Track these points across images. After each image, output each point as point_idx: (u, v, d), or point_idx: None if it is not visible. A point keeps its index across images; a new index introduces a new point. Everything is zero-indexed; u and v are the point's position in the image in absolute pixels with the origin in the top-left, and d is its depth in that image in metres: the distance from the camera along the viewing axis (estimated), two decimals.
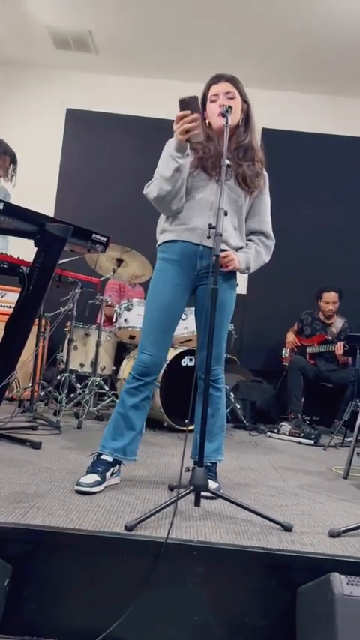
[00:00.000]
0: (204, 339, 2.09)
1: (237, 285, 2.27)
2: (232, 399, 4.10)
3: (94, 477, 2.00)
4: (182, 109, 1.91)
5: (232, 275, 2.21)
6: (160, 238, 2.22)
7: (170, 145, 2.04)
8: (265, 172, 2.26)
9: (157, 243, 2.24)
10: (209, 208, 2.10)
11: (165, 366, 3.55)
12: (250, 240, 2.26)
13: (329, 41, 4.76)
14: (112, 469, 2.08)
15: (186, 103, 1.90)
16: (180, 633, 1.53)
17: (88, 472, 2.04)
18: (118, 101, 5.57)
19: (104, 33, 5.01)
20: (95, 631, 1.47)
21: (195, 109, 1.91)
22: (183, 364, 3.71)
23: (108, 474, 2.06)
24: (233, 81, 2.15)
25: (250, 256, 2.20)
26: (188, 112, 1.91)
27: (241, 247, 2.22)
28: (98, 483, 2.00)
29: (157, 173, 2.10)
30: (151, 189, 2.11)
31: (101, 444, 2.11)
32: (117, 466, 2.12)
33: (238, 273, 2.24)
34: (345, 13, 4.38)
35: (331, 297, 4.74)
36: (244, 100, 2.18)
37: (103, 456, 2.09)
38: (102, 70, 5.58)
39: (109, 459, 2.08)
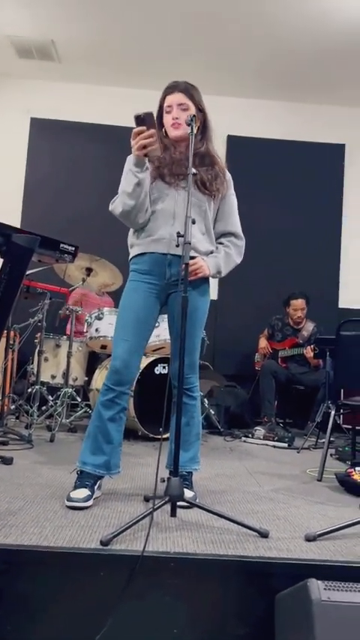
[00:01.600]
0: (176, 348, 2.08)
1: (209, 291, 2.27)
2: (206, 404, 4.10)
3: (84, 492, 1.99)
4: (138, 124, 1.93)
5: (203, 281, 2.21)
6: (131, 252, 2.24)
7: (129, 160, 2.06)
8: (228, 174, 2.28)
9: (129, 257, 2.25)
10: (172, 217, 2.12)
11: (138, 374, 3.53)
12: (220, 242, 2.27)
13: (290, 49, 4.84)
14: (98, 482, 2.08)
15: (141, 120, 1.92)
16: None
17: (77, 487, 2.02)
18: (83, 109, 5.54)
19: (67, 42, 4.98)
20: None
21: (151, 124, 1.93)
22: (156, 372, 3.70)
23: (96, 487, 2.05)
24: (187, 91, 2.16)
25: (219, 260, 2.20)
26: (144, 127, 1.92)
27: (212, 251, 2.23)
28: (89, 498, 1.98)
29: (120, 189, 2.11)
30: (116, 206, 2.13)
31: (81, 459, 2.08)
32: (101, 479, 2.11)
33: (210, 278, 2.24)
34: (305, 22, 4.45)
35: (298, 304, 4.80)
36: (199, 109, 2.19)
37: (86, 470, 2.06)
38: (65, 78, 5.55)
39: (94, 473, 2.05)
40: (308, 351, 4.53)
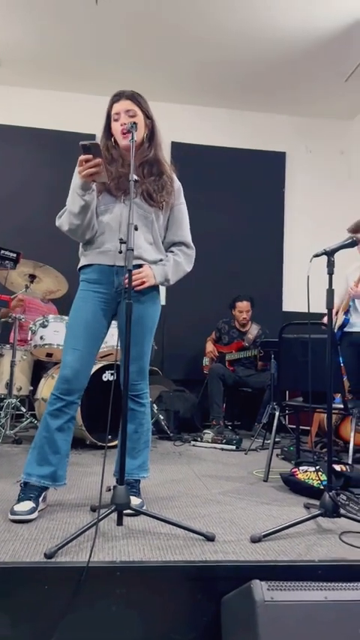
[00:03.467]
0: (126, 355, 2.09)
1: (159, 298, 2.28)
2: (156, 410, 4.10)
3: (29, 505, 1.95)
4: (85, 153, 1.94)
5: (153, 289, 2.21)
6: (80, 263, 2.25)
7: (75, 181, 2.06)
8: (176, 183, 2.28)
9: (78, 267, 2.25)
10: (118, 229, 2.13)
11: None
12: (170, 251, 2.28)
13: (233, 57, 4.93)
14: (43, 493, 2.04)
15: (87, 148, 1.92)
16: None
17: (21, 499, 1.98)
18: (25, 114, 5.44)
19: (8, 45, 4.88)
20: None
21: (97, 154, 1.93)
22: (104, 379, 3.67)
23: (40, 499, 2.01)
24: (134, 98, 2.16)
25: (167, 268, 2.21)
26: (90, 156, 1.93)
27: (160, 260, 2.24)
28: (33, 510, 1.95)
29: (67, 207, 2.12)
30: (63, 223, 2.15)
31: (26, 470, 2.03)
32: (46, 490, 2.07)
33: (159, 289, 2.26)
34: (248, 31, 4.55)
35: (243, 306, 4.90)
36: (147, 116, 2.19)
37: (31, 482, 2.01)
38: (7, 82, 5.42)
39: (39, 484, 2.01)
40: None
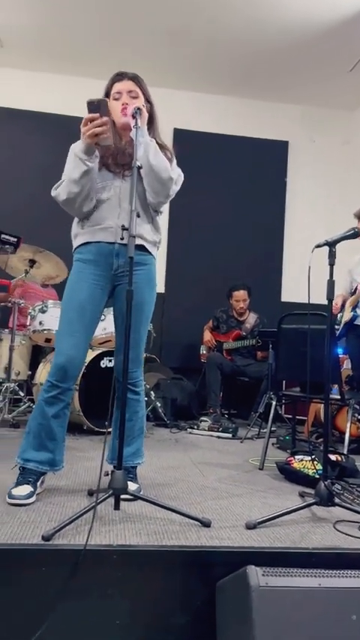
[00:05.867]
0: (121, 342, 2.08)
1: (156, 284, 2.25)
2: (153, 397, 4.12)
3: (27, 489, 1.96)
4: (91, 111, 1.88)
5: (151, 275, 2.19)
6: (75, 242, 2.18)
7: (77, 147, 2.01)
8: (173, 162, 2.20)
9: (73, 248, 2.19)
10: (118, 206, 2.09)
11: (84, 368, 3.50)
12: None
13: (237, 45, 4.88)
14: (41, 478, 2.05)
15: (95, 106, 1.87)
16: (102, 638, 1.52)
17: (19, 483, 1.98)
18: (26, 97, 5.39)
19: (9, 27, 4.82)
20: None
21: (104, 112, 1.88)
22: (102, 365, 3.68)
23: (38, 483, 2.03)
24: (136, 79, 2.14)
25: (154, 145, 2.06)
26: (97, 114, 1.88)
27: (157, 241, 2.22)
28: (31, 494, 1.96)
29: (65, 176, 2.06)
30: (60, 192, 2.07)
31: (23, 456, 2.02)
32: (45, 475, 2.08)
33: (157, 273, 2.23)
34: (253, 19, 4.50)
35: (240, 295, 4.89)
36: (147, 100, 2.17)
37: (29, 467, 2.01)
38: (8, 64, 5.37)
39: (37, 469, 2.02)
40: None
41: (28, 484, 1.97)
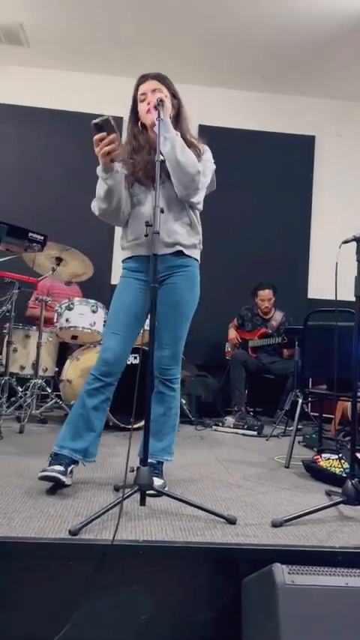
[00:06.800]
0: (162, 339, 2.18)
1: (198, 285, 2.28)
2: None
3: (59, 467, 2.01)
4: (97, 132, 1.93)
5: (192, 276, 2.24)
6: (122, 255, 2.29)
7: (98, 167, 2.07)
8: (203, 147, 2.22)
9: (121, 259, 2.30)
10: (151, 218, 2.10)
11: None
12: None
13: (261, 40, 4.84)
14: (71, 466, 2.09)
15: (99, 126, 1.92)
16: (128, 633, 1.53)
17: (51, 464, 2.03)
18: (52, 96, 5.44)
19: (36, 26, 4.87)
20: (43, 639, 1.45)
21: (110, 129, 1.92)
22: (128, 362, 3.68)
23: (69, 470, 2.07)
24: (160, 77, 2.16)
25: (180, 140, 2.07)
26: (104, 133, 1.93)
27: (195, 244, 2.24)
28: (63, 473, 2.01)
29: (96, 192, 2.15)
30: (94, 207, 2.20)
31: (59, 443, 2.08)
32: (74, 465, 2.11)
33: (198, 275, 2.26)
34: (277, 13, 4.46)
35: (265, 294, 4.85)
36: (174, 96, 2.19)
37: (63, 453, 2.06)
38: (34, 63, 5.43)
39: (70, 456, 2.07)
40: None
41: (60, 465, 2.02)
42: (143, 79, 2.17)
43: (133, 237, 2.20)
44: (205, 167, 2.17)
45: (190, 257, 2.22)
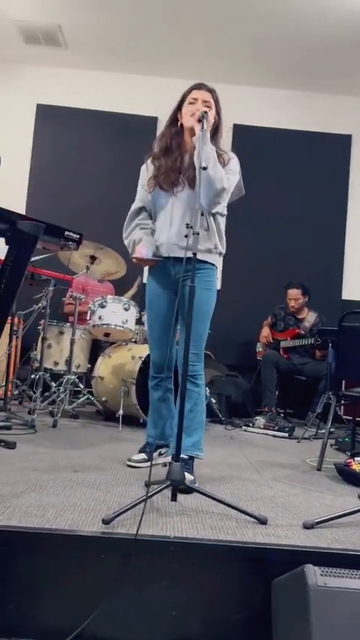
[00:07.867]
0: (183, 337, 2.26)
1: (215, 285, 2.39)
2: (208, 393, 4.13)
3: (141, 456, 2.48)
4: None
5: (209, 276, 2.33)
6: None
7: (136, 236, 2.39)
8: (233, 159, 2.33)
9: None
10: (169, 222, 2.29)
11: (140, 363, 3.56)
12: None
13: (297, 38, 4.79)
14: (159, 450, 2.50)
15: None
16: (157, 628, 1.54)
17: (139, 452, 2.52)
18: (89, 96, 5.51)
19: (74, 27, 4.95)
20: (73, 629, 1.47)
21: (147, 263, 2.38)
22: None
23: (155, 454, 2.47)
24: (214, 93, 2.29)
25: (214, 155, 2.16)
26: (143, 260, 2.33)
27: (210, 250, 2.32)
28: (145, 460, 2.44)
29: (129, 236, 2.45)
30: (125, 242, 2.48)
31: (147, 433, 2.58)
32: (164, 448, 2.50)
33: (216, 273, 2.38)
34: (313, 10, 4.41)
35: (293, 293, 4.81)
36: (217, 113, 2.29)
37: (149, 441, 2.51)
38: (72, 64, 5.51)
39: (152, 441, 2.49)
40: None
41: (143, 453, 2.49)
42: (199, 86, 2.29)
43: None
44: (228, 177, 2.26)
45: (203, 261, 2.29)
